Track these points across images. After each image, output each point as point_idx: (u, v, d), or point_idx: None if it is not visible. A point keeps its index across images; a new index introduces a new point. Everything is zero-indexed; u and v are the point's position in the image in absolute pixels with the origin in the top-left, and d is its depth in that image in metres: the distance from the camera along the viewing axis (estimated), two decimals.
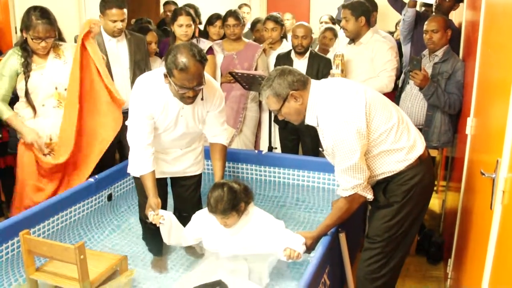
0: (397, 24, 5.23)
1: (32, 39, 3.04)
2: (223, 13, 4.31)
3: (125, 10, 3.53)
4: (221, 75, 4.17)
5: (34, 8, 3.05)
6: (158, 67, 3.23)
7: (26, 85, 3.10)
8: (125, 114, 3.43)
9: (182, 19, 3.83)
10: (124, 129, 2.95)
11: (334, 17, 5.53)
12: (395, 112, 2.33)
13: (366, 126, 2.21)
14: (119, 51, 3.62)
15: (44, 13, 3.06)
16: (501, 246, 1.65)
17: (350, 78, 3.52)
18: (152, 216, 2.50)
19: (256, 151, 3.73)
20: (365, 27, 3.64)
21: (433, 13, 4.18)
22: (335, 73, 3.49)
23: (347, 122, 2.18)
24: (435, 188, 4.28)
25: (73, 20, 4.92)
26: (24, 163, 3.17)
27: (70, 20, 4.94)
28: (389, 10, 4.77)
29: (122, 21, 3.52)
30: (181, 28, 3.84)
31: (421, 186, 2.32)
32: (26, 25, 3.04)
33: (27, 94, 3.12)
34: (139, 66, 3.62)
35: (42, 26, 3.03)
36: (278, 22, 4.26)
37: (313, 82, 2.37)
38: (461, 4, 4.08)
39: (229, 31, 4.16)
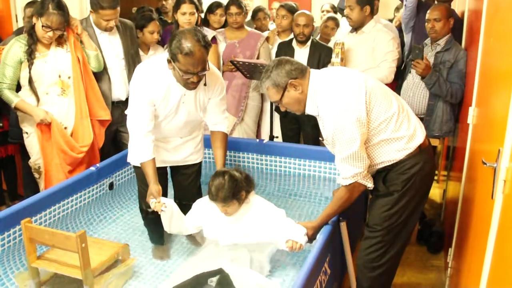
0: (395, 10, 5.14)
1: (42, 26, 3.04)
2: (223, 1, 4.28)
3: (118, 8, 3.42)
4: (223, 63, 4.16)
5: None
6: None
7: (29, 73, 3.11)
8: (124, 103, 3.44)
9: (186, 7, 3.82)
10: (123, 119, 2.95)
11: (336, 5, 5.48)
12: (395, 101, 2.32)
13: (366, 114, 2.20)
14: (112, 43, 3.56)
15: (60, 5, 3.08)
16: (502, 235, 1.65)
17: (350, 67, 3.49)
18: (154, 203, 2.50)
19: (257, 140, 3.73)
20: (369, 16, 3.60)
21: (435, 2, 4.15)
22: (335, 62, 3.46)
23: (347, 110, 2.18)
24: (436, 178, 4.28)
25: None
26: (45, 146, 3.20)
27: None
28: None
29: (115, 18, 3.44)
30: (184, 16, 3.82)
31: (421, 175, 2.32)
32: (40, 12, 3.04)
33: (30, 82, 3.13)
34: (132, 55, 3.60)
35: (56, 17, 3.04)
36: (291, 11, 4.16)
37: (313, 71, 2.36)
38: None
39: (232, 20, 4.13)
